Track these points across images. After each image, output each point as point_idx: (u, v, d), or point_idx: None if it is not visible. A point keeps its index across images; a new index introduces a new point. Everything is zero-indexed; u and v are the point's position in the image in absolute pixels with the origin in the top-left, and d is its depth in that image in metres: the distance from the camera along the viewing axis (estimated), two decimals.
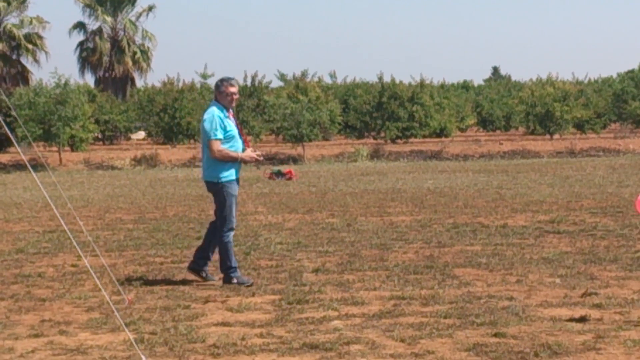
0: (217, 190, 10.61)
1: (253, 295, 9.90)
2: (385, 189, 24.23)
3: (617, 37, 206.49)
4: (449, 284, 10.22)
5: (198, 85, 55.41)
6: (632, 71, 67.13)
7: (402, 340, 7.67)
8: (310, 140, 47.33)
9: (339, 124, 53.09)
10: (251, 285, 10.42)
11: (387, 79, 56.00)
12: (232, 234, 10.70)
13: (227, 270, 10.63)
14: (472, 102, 66.97)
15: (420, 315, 8.63)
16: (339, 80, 62.82)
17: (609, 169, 31.51)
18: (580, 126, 56.73)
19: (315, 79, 59.45)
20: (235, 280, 10.53)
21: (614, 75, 67.52)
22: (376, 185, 26.06)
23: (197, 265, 10.79)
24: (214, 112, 10.56)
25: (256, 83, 54.54)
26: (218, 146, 10.49)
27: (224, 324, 8.52)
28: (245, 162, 10.80)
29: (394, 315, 8.69)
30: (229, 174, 10.59)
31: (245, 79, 51.65)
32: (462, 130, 66.70)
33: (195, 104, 51.77)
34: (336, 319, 8.57)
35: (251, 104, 51.33)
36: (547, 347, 7.31)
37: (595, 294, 9.43)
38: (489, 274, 10.83)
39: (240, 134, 10.80)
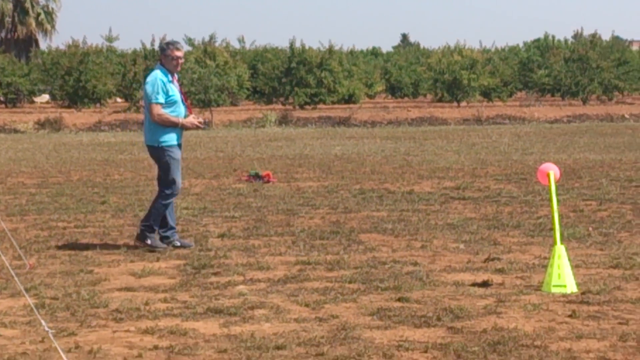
0: (159, 154, 10.52)
1: (158, 260, 9.81)
2: (292, 155, 24.21)
3: (524, 6, 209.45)
4: (354, 250, 10.26)
5: (104, 49, 54.51)
6: (538, 40, 68.00)
7: (307, 305, 7.68)
8: (218, 106, 46.98)
9: (248, 89, 52.81)
10: (164, 251, 10.28)
11: (297, 44, 55.79)
12: (173, 200, 10.60)
13: (147, 229, 10.47)
14: (381, 68, 67.06)
15: (325, 280, 8.65)
16: (248, 46, 62.20)
17: (514, 136, 31.97)
18: (487, 94, 57.34)
19: (224, 45, 58.74)
20: (149, 241, 10.39)
21: (520, 44, 68.29)
22: (284, 151, 26.03)
23: (167, 239, 10.59)
24: (156, 76, 10.49)
25: None
26: (158, 110, 10.39)
27: (128, 288, 8.43)
28: (186, 128, 10.73)
29: (299, 280, 8.70)
30: (170, 139, 10.50)
31: (152, 43, 50.80)
32: (370, 96, 66.81)
33: (101, 67, 51.00)
34: (241, 284, 8.54)
35: None
36: (450, 311, 7.39)
37: (498, 259, 9.57)
38: (394, 240, 10.90)
39: (184, 100, 10.72)
